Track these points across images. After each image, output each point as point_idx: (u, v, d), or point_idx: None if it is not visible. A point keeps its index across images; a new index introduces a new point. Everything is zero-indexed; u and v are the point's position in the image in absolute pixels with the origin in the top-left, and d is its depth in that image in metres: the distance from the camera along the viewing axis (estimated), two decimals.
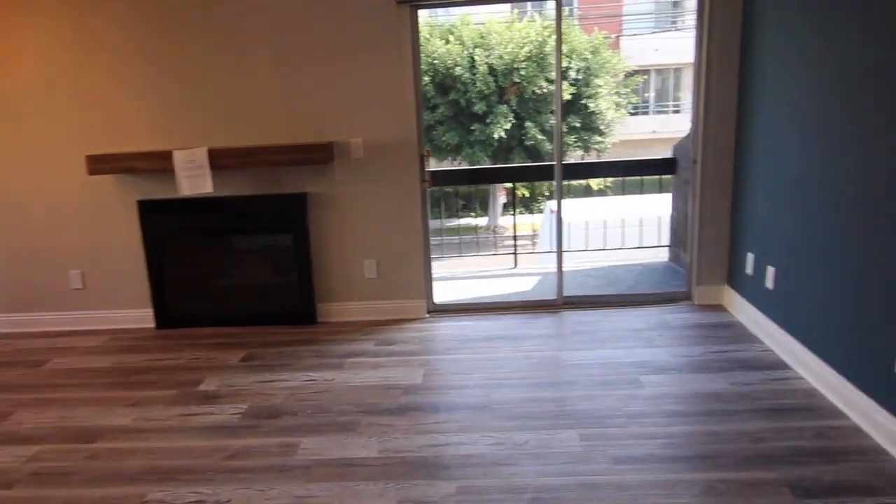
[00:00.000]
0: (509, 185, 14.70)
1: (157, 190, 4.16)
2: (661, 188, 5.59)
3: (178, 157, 3.90)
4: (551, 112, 13.03)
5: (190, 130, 4.07)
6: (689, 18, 18.55)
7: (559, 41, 4.00)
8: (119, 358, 3.90)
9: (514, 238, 5.72)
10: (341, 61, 3.94)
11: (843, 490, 2.34)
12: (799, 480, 2.41)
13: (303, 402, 3.23)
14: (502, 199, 15.54)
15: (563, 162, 4.19)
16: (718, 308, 4.18)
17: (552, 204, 9.30)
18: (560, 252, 4.27)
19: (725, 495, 2.35)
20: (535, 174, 5.79)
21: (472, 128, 13.02)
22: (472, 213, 14.76)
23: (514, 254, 5.64)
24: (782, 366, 3.33)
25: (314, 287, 4.24)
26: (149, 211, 4.17)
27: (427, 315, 4.31)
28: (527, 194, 16.27)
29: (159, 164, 3.93)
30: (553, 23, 13.31)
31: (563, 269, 4.28)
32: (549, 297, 4.37)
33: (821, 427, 2.76)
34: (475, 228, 12.99)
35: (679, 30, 18.02)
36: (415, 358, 3.68)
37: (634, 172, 5.48)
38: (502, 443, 2.77)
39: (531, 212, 15.55)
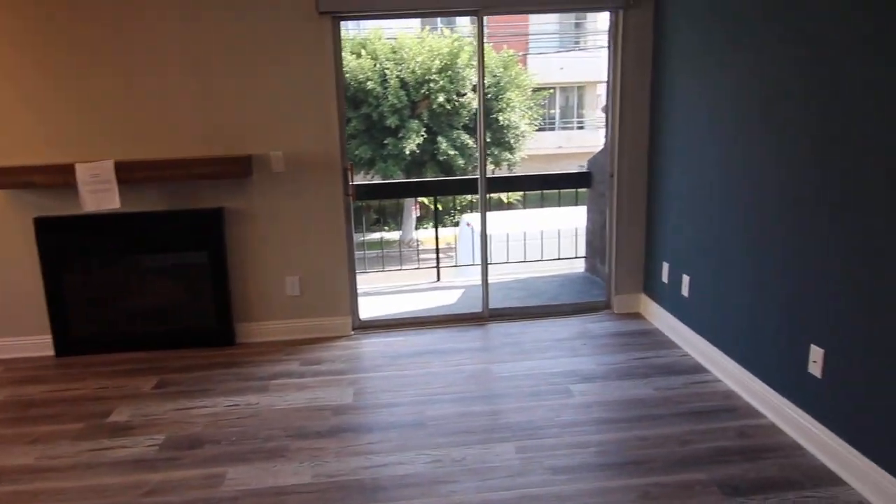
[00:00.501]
0: (423, 199, 14.90)
1: (57, 206, 3.85)
2: (576, 201, 5.76)
3: (81, 171, 3.63)
4: (463, 126, 13.20)
5: (96, 142, 3.80)
6: (592, 38, 19.40)
7: (481, 57, 4.05)
8: (16, 390, 3.56)
9: (437, 252, 5.72)
10: (261, 72, 3.81)
11: (767, 486, 2.46)
12: (726, 479, 2.51)
13: (226, 429, 3.06)
14: (415, 213, 15.57)
15: (487, 175, 4.22)
16: (636, 316, 4.33)
17: (468, 217, 9.40)
18: (485, 264, 4.30)
19: (660, 499, 2.41)
20: (460, 187, 5.83)
21: (385, 142, 12.99)
22: (386, 228, 14.71)
23: (437, 267, 5.64)
24: (701, 369, 3.49)
25: (232, 306, 4.05)
26: (47, 229, 3.84)
27: (353, 332, 4.21)
28: (440, 208, 16.42)
29: (60, 178, 3.64)
30: (465, 37, 13.46)
31: (481, 280, 4.30)
32: (474, 309, 4.39)
33: (741, 427, 2.90)
34: (390, 243, 12.96)
35: (582, 49, 18.79)
36: (343, 377, 3.58)
37: (552, 186, 5.62)
38: (440, 460, 2.73)
39: (444, 225, 15.70)
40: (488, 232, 4.30)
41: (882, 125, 2.22)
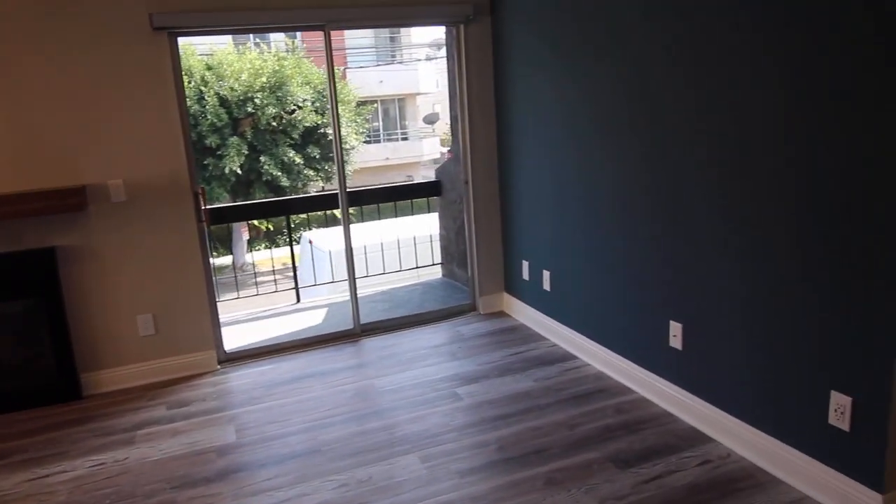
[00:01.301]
0: (254, 220, 14.30)
1: None
2: (428, 209, 5.90)
3: None
4: (289, 144, 12.89)
5: None
6: (407, 52, 19.90)
7: (331, 71, 4.01)
8: None
9: (294, 273, 5.54)
10: (93, 95, 3.45)
11: (652, 454, 2.71)
12: (617, 454, 2.73)
13: (96, 492, 2.73)
14: (245, 235, 14.90)
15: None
16: (502, 314, 4.54)
17: (309, 234, 9.20)
18: (353, 280, 4.25)
19: (566, 482, 2.56)
20: (322, 203, 5.68)
21: (206, 162, 12.30)
22: (215, 253, 13.91)
23: (296, 288, 5.46)
24: (571, 357, 3.74)
25: (75, 356, 3.61)
26: None
27: (220, 366, 3.95)
28: (271, 227, 15.85)
29: None
30: (285, 52, 13.11)
31: (349, 296, 4.26)
32: (345, 326, 4.32)
33: (617, 404, 3.16)
34: (222, 269, 12.28)
35: (400, 63, 19.21)
36: (220, 415, 3.35)
37: (405, 196, 5.71)
38: (346, 484, 2.66)
39: (278, 245, 15.17)
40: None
41: (696, 131, 2.56)
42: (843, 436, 2.21)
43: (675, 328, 2.94)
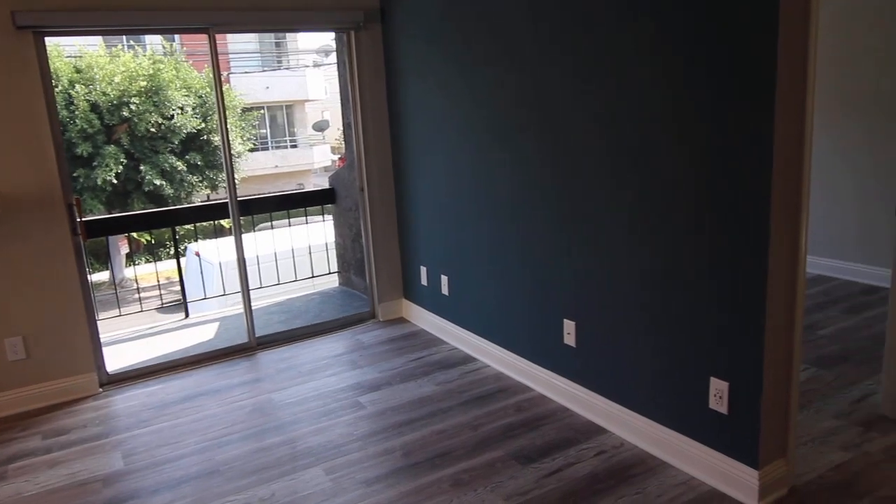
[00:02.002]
0: (135, 233, 13.43)
1: None
2: (322, 217, 5.80)
3: None
4: (170, 151, 12.27)
5: None
6: (294, 58, 19.51)
7: (218, 77, 3.86)
8: None
9: (182, 287, 5.26)
10: None
11: (552, 448, 2.81)
12: (520, 451, 2.80)
13: None
14: (124, 249, 14.00)
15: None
16: (401, 321, 4.54)
17: (195, 246, 8.78)
18: (247, 292, 4.10)
19: (473, 482, 2.60)
20: (210, 212, 5.41)
21: (75, 174, 11.45)
22: (89, 269, 12.94)
23: (184, 303, 5.19)
24: (471, 359, 3.80)
25: None
26: None
27: (102, 389, 3.68)
28: (153, 240, 14.98)
29: None
30: (164, 56, 12.47)
31: (243, 308, 4.12)
32: (239, 340, 4.16)
33: (517, 402, 3.25)
34: (100, 285, 11.46)
35: (287, 68, 18.79)
36: (104, 441, 3.13)
37: (298, 204, 5.58)
38: (247, 503, 2.56)
39: (160, 258, 14.37)
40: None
41: (589, 133, 2.70)
42: (723, 419, 2.40)
43: (569, 326, 3.07)
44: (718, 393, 2.39)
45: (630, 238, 2.65)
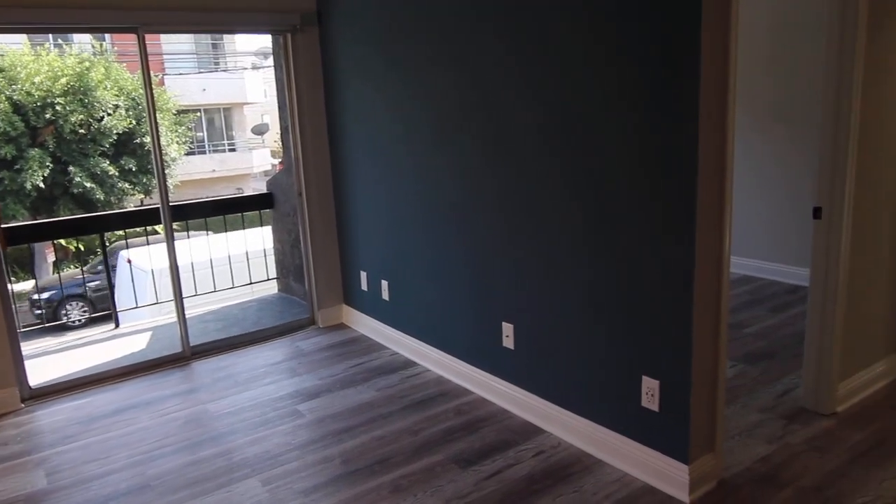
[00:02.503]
0: (61, 240, 12.85)
1: None
2: (260, 223, 5.69)
3: None
4: (101, 154, 11.81)
5: None
6: (232, 59, 19.09)
7: (148, 79, 3.74)
8: None
9: (112, 295, 5.06)
10: None
11: (491, 451, 2.83)
12: (459, 454, 2.81)
13: None
14: (51, 256, 13.38)
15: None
16: (341, 326, 4.50)
17: (127, 253, 8.47)
18: (180, 300, 3.98)
19: (412, 487, 2.59)
20: (141, 218, 5.21)
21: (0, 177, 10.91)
22: (14, 278, 12.31)
23: (114, 312, 4.99)
24: (411, 364, 3.80)
25: None
26: None
27: (23, 404, 3.50)
28: (82, 247, 14.36)
29: None
30: (94, 56, 12.00)
31: (176, 317, 4.00)
32: (172, 350, 4.03)
33: (457, 406, 3.26)
34: (23, 295, 10.91)
35: (224, 70, 18.37)
36: (25, 459, 2.98)
37: (234, 209, 5.45)
38: None
39: (86, 264, 13.77)
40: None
41: (525, 139, 2.75)
42: (654, 416, 2.47)
43: (508, 329, 3.10)
44: (650, 391, 2.46)
45: (565, 242, 2.70)
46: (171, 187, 13.76)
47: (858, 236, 2.86)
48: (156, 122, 3.78)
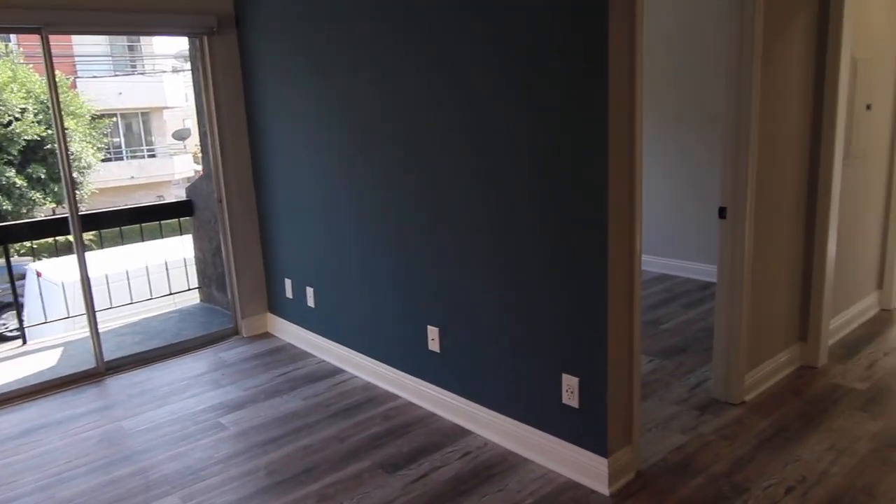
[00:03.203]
0: None
1: None
2: (180, 231, 5.51)
3: None
4: (7, 162, 11.15)
5: None
6: (150, 62, 18.41)
7: (53, 82, 3.56)
8: None
9: (18, 311, 4.77)
10: None
11: (418, 454, 2.84)
12: (386, 459, 2.81)
13: None
14: None
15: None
16: (267, 336, 4.41)
17: (37, 266, 8.03)
18: (92, 313, 3.80)
19: (339, 494, 2.57)
20: (50, 228, 4.91)
21: None
22: None
23: (21, 328, 4.71)
24: (338, 371, 3.76)
25: None
26: None
27: None
28: None
29: None
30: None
31: (89, 331, 3.82)
32: (86, 366, 3.85)
33: (385, 411, 3.25)
34: None
35: (142, 73, 17.68)
36: None
37: (151, 217, 5.24)
38: None
39: None
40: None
41: (446, 145, 2.78)
42: (575, 412, 2.54)
43: (433, 332, 3.12)
44: (570, 388, 2.53)
45: (483, 246, 2.74)
46: (87, 195, 13.14)
47: (761, 234, 3.03)
48: (62, 127, 3.60)
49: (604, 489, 2.48)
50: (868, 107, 3.63)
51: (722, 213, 2.97)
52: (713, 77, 4.67)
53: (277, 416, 3.25)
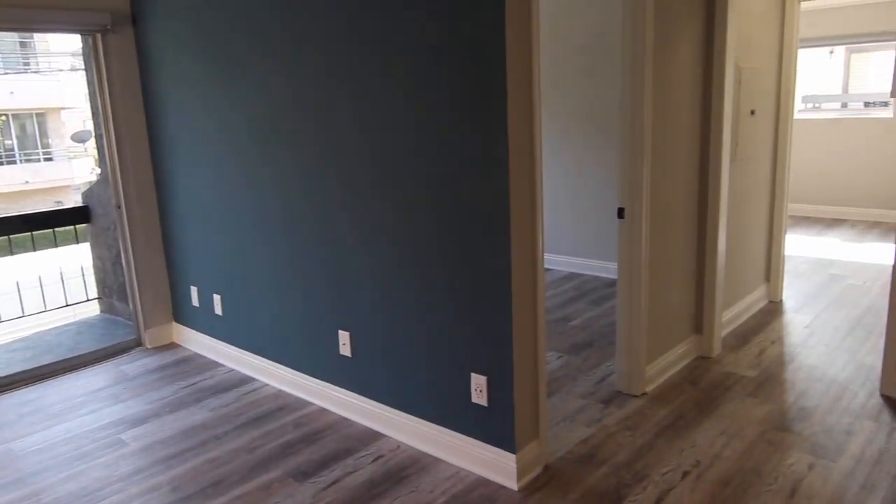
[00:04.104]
0: None
1: None
2: (76, 239, 5.21)
3: None
4: None
5: None
6: (45, 61, 17.33)
7: None
8: None
9: None
10: None
11: (330, 460, 2.81)
12: (297, 468, 2.77)
13: None
14: None
15: None
16: (173, 346, 4.24)
17: None
18: None
19: None
20: None
21: None
22: None
23: None
24: (248, 380, 3.67)
25: None
26: None
27: None
28: None
29: None
30: None
31: None
32: None
33: (296, 419, 3.20)
34: None
35: (36, 72, 16.62)
36: None
37: (41, 225, 4.92)
38: None
39: None
40: None
41: (348, 149, 2.77)
42: (484, 411, 2.58)
43: (344, 336, 3.10)
44: (479, 387, 2.57)
45: (394, 248, 2.75)
46: None
47: (657, 233, 3.19)
48: None
49: (513, 484, 2.53)
50: (752, 112, 3.89)
51: (620, 213, 3.10)
52: (616, 82, 4.87)
53: (183, 430, 3.14)
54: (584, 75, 5.11)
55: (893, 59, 5.64)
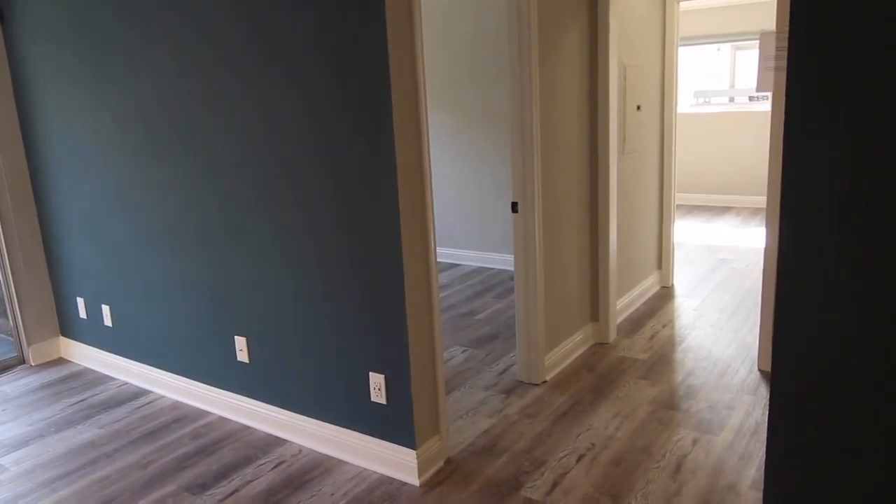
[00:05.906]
0: None
1: None
2: None
3: None
4: None
5: None
6: None
7: None
8: None
9: None
10: None
11: (229, 471, 2.73)
12: (193, 481, 2.67)
13: None
14: None
15: None
16: (60, 361, 4.00)
17: None
18: None
19: None
20: None
21: None
22: None
23: None
24: (143, 392, 3.51)
25: None
26: None
27: None
28: None
29: None
30: None
31: None
32: None
33: (193, 430, 3.09)
34: None
35: None
36: None
37: None
38: None
39: None
40: None
41: (239, 152, 2.71)
42: (383, 409, 2.58)
43: (241, 342, 3.02)
44: (377, 386, 2.57)
45: (287, 250, 2.70)
46: None
47: (551, 226, 3.29)
48: None
49: (414, 480, 2.55)
50: (638, 107, 4.07)
51: (514, 207, 3.18)
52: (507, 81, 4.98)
53: (70, 450, 2.97)
54: (482, 74, 5.19)
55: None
